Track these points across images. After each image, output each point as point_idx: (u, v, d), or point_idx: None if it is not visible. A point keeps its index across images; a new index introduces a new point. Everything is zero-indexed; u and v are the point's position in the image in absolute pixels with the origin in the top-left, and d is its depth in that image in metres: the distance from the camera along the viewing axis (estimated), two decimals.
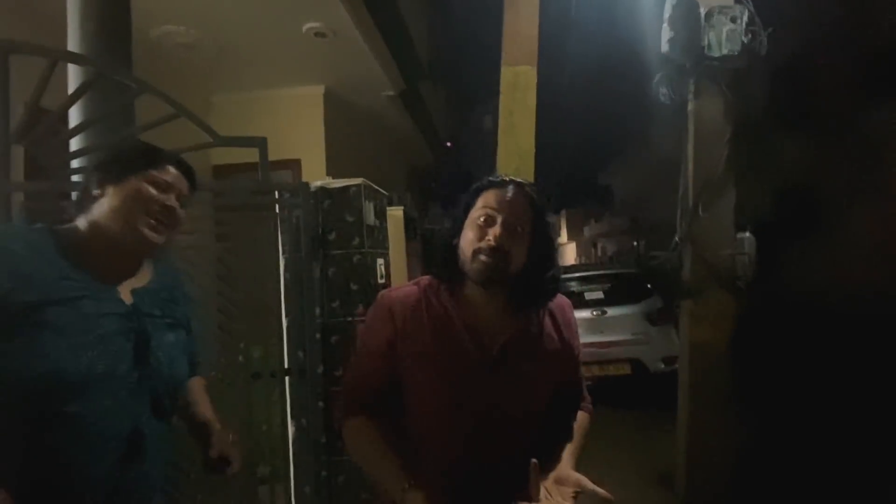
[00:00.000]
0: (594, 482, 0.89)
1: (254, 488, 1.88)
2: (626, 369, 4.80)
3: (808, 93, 3.01)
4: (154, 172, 0.92)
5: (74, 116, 1.87)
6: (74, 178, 1.80)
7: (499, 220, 0.92)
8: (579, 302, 5.19)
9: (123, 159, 0.94)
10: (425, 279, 1.03)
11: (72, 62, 1.85)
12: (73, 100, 1.71)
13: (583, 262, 20.35)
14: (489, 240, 0.91)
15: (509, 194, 0.94)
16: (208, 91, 4.55)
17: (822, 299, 2.72)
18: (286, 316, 2.00)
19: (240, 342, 1.89)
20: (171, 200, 0.93)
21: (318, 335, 2.00)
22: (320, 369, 1.99)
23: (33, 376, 0.78)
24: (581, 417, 1.06)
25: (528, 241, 0.94)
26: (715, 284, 2.51)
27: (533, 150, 2.63)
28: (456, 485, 0.93)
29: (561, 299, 1.05)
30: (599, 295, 5.23)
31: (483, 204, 0.94)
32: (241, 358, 1.90)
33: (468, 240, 0.93)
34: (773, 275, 2.75)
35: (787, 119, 2.97)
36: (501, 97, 2.65)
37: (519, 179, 0.98)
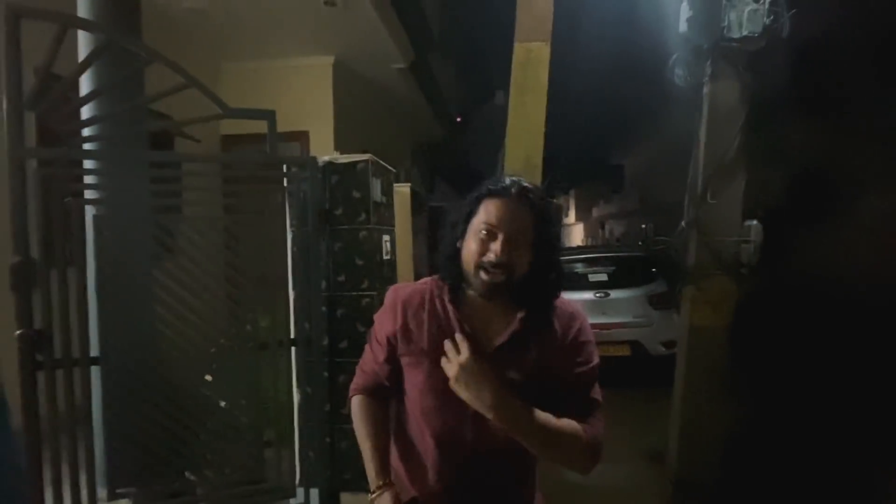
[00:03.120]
0: None
1: (261, 451, 1.96)
2: (625, 351, 4.87)
3: (826, 77, 2.93)
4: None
5: (85, 84, 1.88)
6: (86, 145, 1.83)
7: (500, 235, 0.92)
8: (583, 284, 5.22)
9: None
10: (433, 279, 1.05)
11: (82, 28, 1.84)
12: (84, 67, 1.71)
13: (590, 243, 20.25)
14: (490, 256, 0.91)
15: (511, 206, 0.93)
16: (217, 59, 4.51)
17: (828, 289, 2.71)
18: (293, 288, 2.04)
19: (248, 312, 1.94)
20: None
21: (323, 308, 2.05)
22: (325, 341, 2.05)
23: None
24: (572, 424, 0.92)
25: (530, 250, 0.94)
26: (717, 270, 2.51)
27: (543, 129, 2.60)
28: (443, 485, 0.97)
29: (573, 307, 1.03)
30: (603, 277, 5.24)
31: (485, 217, 0.94)
32: (248, 327, 1.95)
33: (470, 251, 0.94)
34: (780, 262, 2.74)
35: (804, 105, 2.90)
36: (513, 74, 2.61)
37: (523, 184, 0.96)
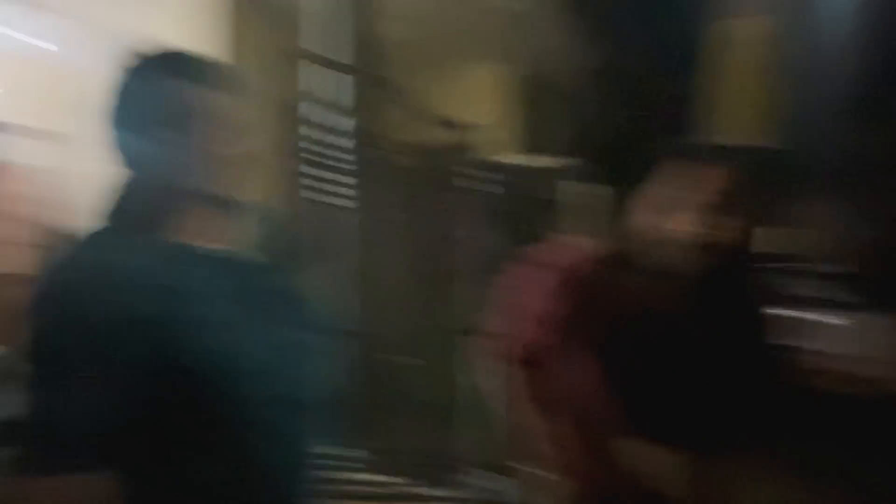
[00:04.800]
0: None
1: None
2: None
3: None
4: None
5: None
6: None
7: (723, 206, 0.74)
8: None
9: None
10: (592, 248, 0.90)
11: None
12: None
13: None
14: (710, 230, 0.73)
15: (731, 173, 0.77)
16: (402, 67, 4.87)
17: None
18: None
19: (432, 304, 2.07)
20: None
21: None
22: None
23: None
24: None
25: (741, 227, 0.77)
26: None
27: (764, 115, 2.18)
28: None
29: None
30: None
31: (704, 180, 0.76)
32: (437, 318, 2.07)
33: (676, 220, 0.75)
34: None
35: None
36: (723, 54, 2.26)
37: (748, 145, 0.86)
